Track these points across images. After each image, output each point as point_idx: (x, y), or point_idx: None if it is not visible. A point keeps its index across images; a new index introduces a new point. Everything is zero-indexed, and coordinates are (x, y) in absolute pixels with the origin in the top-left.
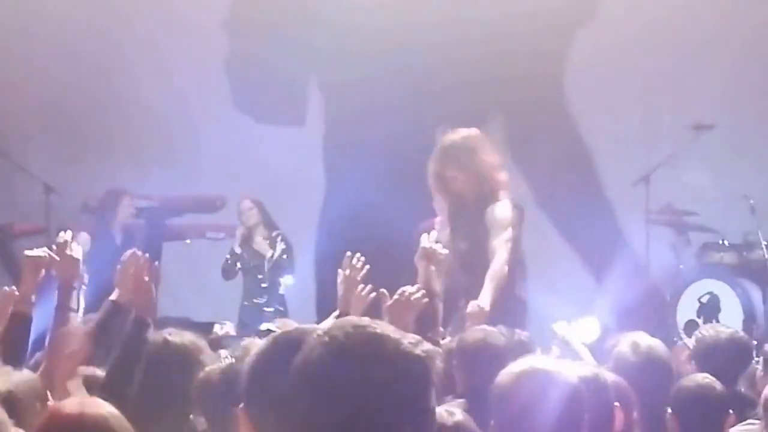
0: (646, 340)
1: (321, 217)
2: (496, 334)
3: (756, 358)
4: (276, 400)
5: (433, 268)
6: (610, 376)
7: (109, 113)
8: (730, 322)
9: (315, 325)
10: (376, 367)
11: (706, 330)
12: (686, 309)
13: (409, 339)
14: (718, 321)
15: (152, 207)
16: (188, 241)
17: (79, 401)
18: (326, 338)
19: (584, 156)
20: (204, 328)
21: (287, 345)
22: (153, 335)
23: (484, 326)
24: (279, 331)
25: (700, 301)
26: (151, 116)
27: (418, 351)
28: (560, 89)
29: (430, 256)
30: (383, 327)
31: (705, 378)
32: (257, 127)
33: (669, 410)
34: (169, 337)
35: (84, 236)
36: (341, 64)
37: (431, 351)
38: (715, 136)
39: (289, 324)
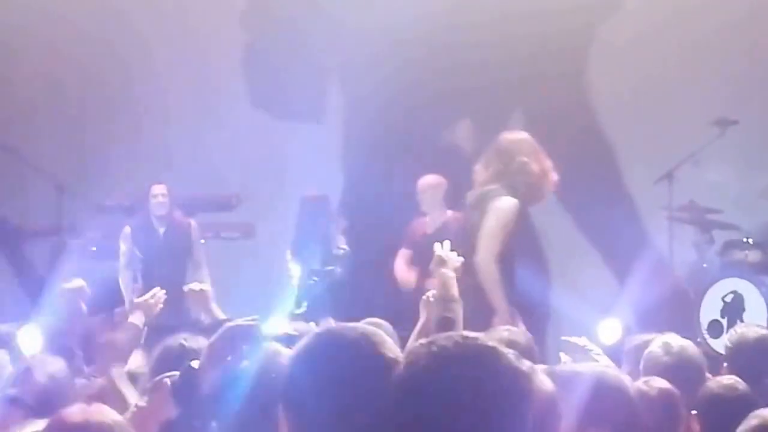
0: (678, 341)
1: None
2: (521, 333)
3: None
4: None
5: (452, 273)
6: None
7: (121, 111)
8: (755, 321)
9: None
10: (486, 378)
11: (736, 330)
12: (710, 308)
13: (511, 352)
14: (742, 320)
15: None
16: (202, 240)
17: (83, 408)
18: (434, 348)
19: (606, 153)
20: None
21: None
22: (168, 340)
23: (509, 326)
24: (301, 334)
25: (723, 301)
26: (165, 114)
27: (523, 366)
28: (582, 86)
29: (444, 263)
30: (488, 340)
31: (729, 379)
32: (274, 124)
33: (694, 411)
34: (185, 343)
35: (126, 230)
36: (360, 61)
37: (531, 366)
38: (739, 132)
39: (306, 326)
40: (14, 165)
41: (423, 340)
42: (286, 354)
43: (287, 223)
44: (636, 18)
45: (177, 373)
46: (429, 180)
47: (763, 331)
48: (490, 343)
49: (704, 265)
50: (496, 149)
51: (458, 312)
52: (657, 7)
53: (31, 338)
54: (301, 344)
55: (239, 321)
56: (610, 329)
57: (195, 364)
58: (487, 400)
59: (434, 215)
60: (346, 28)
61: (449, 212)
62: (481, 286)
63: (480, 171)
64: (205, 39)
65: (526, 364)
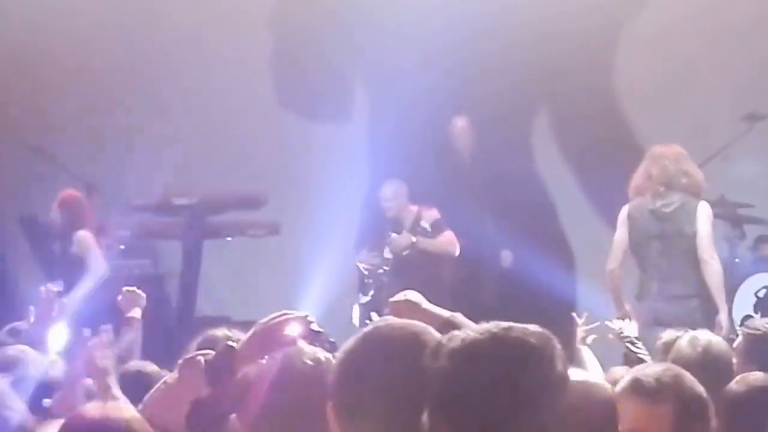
0: (705, 336)
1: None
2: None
3: None
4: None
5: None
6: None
7: (150, 111)
8: None
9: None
10: (514, 372)
11: (751, 324)
12: (742, 304)
13: (556, 351)
14: None
15: (193, 204)
16: (229, 238)
17: (101, 405)
18: (466, 342)
19: (635, 148)
20: (245, 327)
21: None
22: (210, 331)
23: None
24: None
25: (756, 296)
26: (193, 113)
27: (557, 363)
28: (610, 79)
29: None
30: (528, 334)
31: (755, 376)
32: (301, 123)
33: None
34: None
35: None
36: (388, 59)
37: (567, 365)
38: None
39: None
40: (44, 164)
41: (454, 334)
42: (310, 352)
43: (314, 220)
44: (664, 12)
45: (210, 351)
46: (394, 186)
47: None
48: (526, 338)
49: (736, 261)
50: (668, 159)
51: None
52: (685, 1)
53: (60, 337)
54: (351, 342)
55: (288, 312)
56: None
57: (233, 344)
58: (517, 396)
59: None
60: (374, 29)
61: (413, 207)
62: None
63: (649, 180)
64: (234, 38)
65: (562, 364)
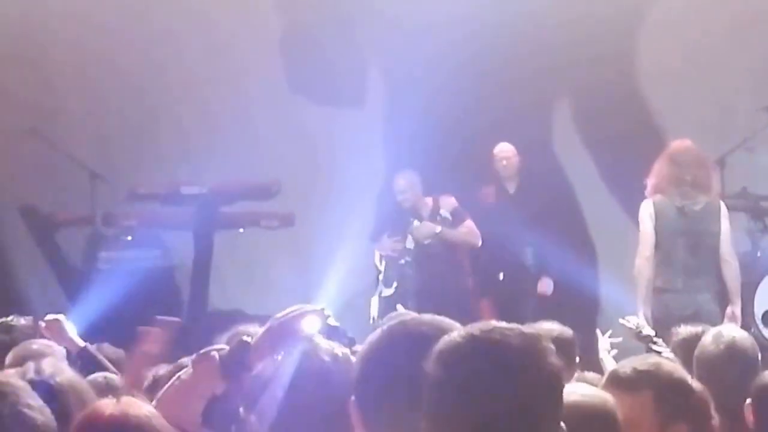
0: (730, 331)
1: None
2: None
3: None
4: (396, 403)
5: None
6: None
7: (157, 97)
8: None
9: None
10: (498, 375)
11: None
12: (764, 298)
13: (540, 347)
14: None
15: (203, 194)
16: (241, 229)
17: (120, 401)
18: (456, 343)
19: (656, 139)
20: (259, 321)
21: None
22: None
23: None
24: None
25: None
26: (202, 99)
27: (549, 361)
28: (631, 70)
29: None
30: (513, 334)
31: None
32: (314, 110)
33: (749, 401)
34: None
35: None
36: (402, 45)
37: (561, 362)
38: None
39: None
40: (46, 153)
41: (451, 334)
42: (327, 348)
43: (328, 211)
44: (689, 2)
45: (225, 347)
46: (407, 177)
47: None
48: (510, 340)
49: (758, 254)
50: (693, 159)
51: None
52: None
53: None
54: (374, 336)
55: (304, 306)
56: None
57: (248, 339)
58: (511, 398)
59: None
60: (389, 12)
61: (429, 199)
62: None
63: (674, 179)
64: (244, 22)
65: (553, 361)
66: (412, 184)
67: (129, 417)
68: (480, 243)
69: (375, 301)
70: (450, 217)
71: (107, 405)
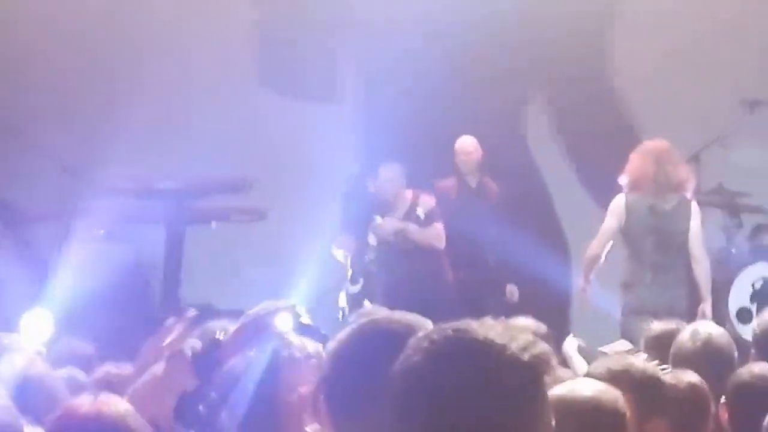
0: (707, 328)
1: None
2: (537, 324)
3: None
4: (366, 400)
5: None
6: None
7: (130, 91)
8: None
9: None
10: (476, 373)
11: (764, 315)
12: (739, 295)
13: (518, 342)
14: None
15: (175, 189)
16: (213, 224)
17: (94, 399)
18: (426, 343)
19: (632, 135)
20: (231, 316)
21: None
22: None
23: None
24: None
25: (753, 287)
26: (172, 93)
27: (525, 356)
28: (608, 65)
29: None
30: (487, 330)
31: (761, 367)
32: (286, 105)
33: (723, 399)
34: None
35: None
36: (374, 40)
37: (542, 355)
38: None
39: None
40: (17, 146)
41: (419, 335)
42: (299, 344)
43: (301, 205)
44: None
45: (198, 342)
46: (392, 170)
47: None
48: (482, 336)
49: (733, 251)
50: (667, 158)
51: None
52: None
53: (38, 325)
54: (345, 332)
55: (277, 303)
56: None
57: (220, 335)
58: (476, 397)
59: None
60: (361, 8)
61: (409, 193)
62: None
63: (647, 177)
64: (217, 16)
65: (533, 354)
66: (395, 176)
67: (104, 414)
68: (443, 246)
69: (343, 298)
70: (422, 217)
71: (83, 402)
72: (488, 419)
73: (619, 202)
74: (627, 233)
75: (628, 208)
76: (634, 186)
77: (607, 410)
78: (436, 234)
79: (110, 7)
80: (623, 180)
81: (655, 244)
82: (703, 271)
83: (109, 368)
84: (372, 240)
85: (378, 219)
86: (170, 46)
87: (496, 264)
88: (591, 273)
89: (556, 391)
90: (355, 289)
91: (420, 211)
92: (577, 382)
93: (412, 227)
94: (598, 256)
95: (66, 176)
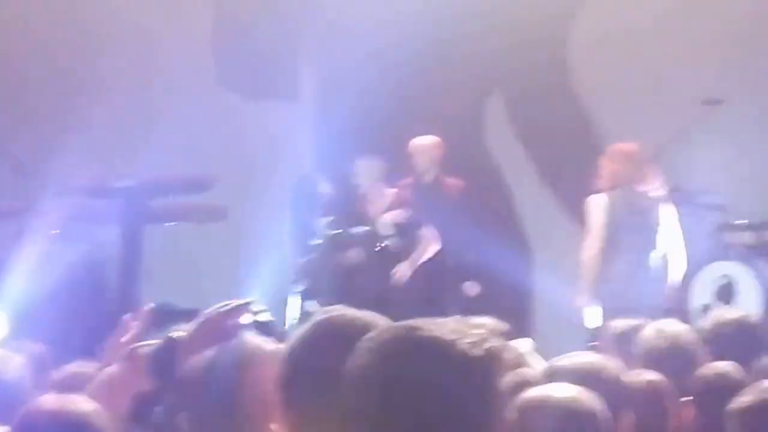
0: (672, 326)
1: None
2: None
3: None
4: (322, 399)
5: None
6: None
7: (88, 89)
8: (748, 306)
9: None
10: (426, 371)
11: (714, 314)
12: (700, 293)
13: (468, 338)
14: (734, 305)
15: (133, 187)
16: (172, 223)
17: (57, 397)
18: (376, 343)
19: (591, 133)
20: (189, 315)
21: (333, 339)
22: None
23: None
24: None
25: (714, 284)
26: (130, 91)
27: (475, 352)
28: (568, 65)
29: None
30: (438, 328)
31: (725, 366)
32: (247, 104)
33: (686, 399)
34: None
35: None
36: (335, 37)
37: (493, 351)
38: (731, 110)
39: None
40: None
41: (369, 334)
42: (258, 343)
43: (260, 205)
44: None
45: (154, 342)
46: (369, 164)
47: (742, 313)
48: (433, 333)
49: (694, 248)
50: (644, 158)
51: None
52: None
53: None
54: (301, 332)
55: (234, 302)
56: (591, 315)
57: (176, 335)
58: (427, 394)
59: (375, 197)
60: (322, 7)
61: (388, 190)
62: None
63: (624, 176)
64: (177, 12)
65: (484, 349)
66: (373, 170)
67: (68, 413)
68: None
69: (293, 298)
70: (396, 232)
71: (47, 400)
72: (438, 416)
73: (599, 200)
74: (606, 231)
75: (608, 206)
76: (613, 184)
77: (584, 412)
78: (429, 246)
79: (68, 5)
80: (601, 179)
81: (634, 242)
82: (675, 268)
83: (74, 367)
84: (318, 240)
85: (323, 219)
86: (129, 44)
87: (454, 262)
88: (593, 280)
89: (533, 393)
90: (302, 288)
91: (388, 223)
92: (554, 385)
93: (413, 261)
94: (597, 256)
95: (20, 175)
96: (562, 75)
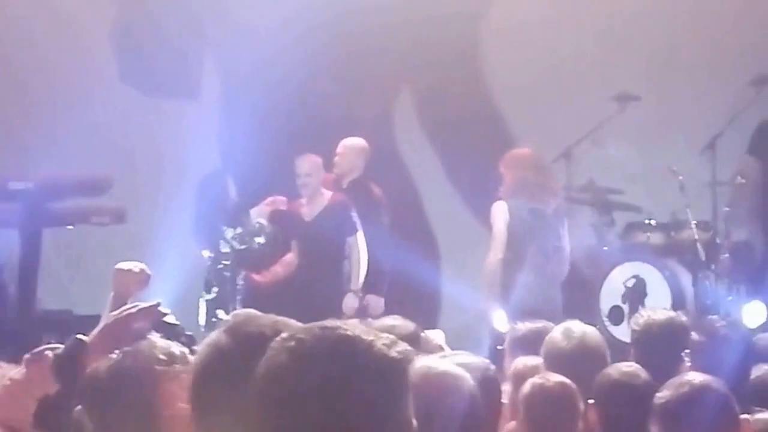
0: (580, 327)
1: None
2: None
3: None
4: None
5: None
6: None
7: None
8: (658, 306)
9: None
10: (344, 370)
11: (642, 313)
12: (610, 294)
13: (382, 340)
14: (644, 306)
15: (29, 189)
16: (71, 227)
17: None
18: (292, 342)
19: (501, 130)
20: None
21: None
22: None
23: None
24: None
25: (625, 286)
26: (27, 88)
27: (392, 353)
28: (479, 65)
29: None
30: (354, 328)
31: (629, 366)
32: (149, 103)
33: (591, 401)
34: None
35: None
36: (242, 36)
37: (407, 352)
38: (642, 109)
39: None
40: None
41: (285, 333)
42: (164, 346)
43: (162, 206)
44: None
45: (59, 345)
46: (313, 160)
47: (671, 314)
48: (350, 333)
49: (604, 248)
50: (543, 164)
51: None
52: None
53: None
54: (212, 337)
55: (142, 304)
56: (496, 318)
57: (83, 337)
58: (344, 393)
59: (313, 199)
60: (226, 6)
61: (328, 193)
62: None
63: (525, 183)
64: (75, 10)
65: (399, 351)
66: (315, 168)
67: None
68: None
69: (202, 305)
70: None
71: None
72: (354, 415)
73: (501, 208)
74: (509, 237)
75: (511, 213)
76: (515, 192)
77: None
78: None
79: None
80: (503, 186)
81: (536, 248)
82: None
83: None
84: (224, 247)
85: (228, 230)
86: (25, 41)
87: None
88: (495, 288)
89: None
90: (210, 296)
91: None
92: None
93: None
94: (500, 262)
95: None
96: (473, 74)
